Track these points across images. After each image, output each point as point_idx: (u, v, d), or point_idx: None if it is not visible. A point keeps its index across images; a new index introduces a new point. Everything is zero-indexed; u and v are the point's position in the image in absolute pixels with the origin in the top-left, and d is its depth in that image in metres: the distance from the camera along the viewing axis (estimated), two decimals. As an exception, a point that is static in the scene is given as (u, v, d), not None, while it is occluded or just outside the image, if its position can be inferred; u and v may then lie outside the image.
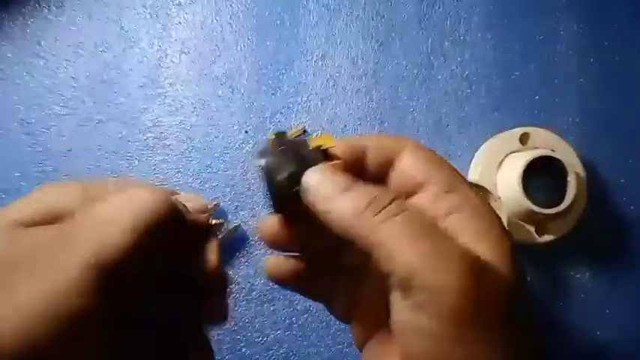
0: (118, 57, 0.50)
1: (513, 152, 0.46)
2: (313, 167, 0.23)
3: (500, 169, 0.46)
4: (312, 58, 0.50)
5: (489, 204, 0.24)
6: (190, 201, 0.26)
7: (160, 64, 0.50)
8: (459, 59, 0.50)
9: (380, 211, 0.21)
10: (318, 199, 0.22)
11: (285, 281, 0.27)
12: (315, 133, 0.49)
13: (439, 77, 0.50)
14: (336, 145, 0.25)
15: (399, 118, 0.49)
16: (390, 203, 0.21)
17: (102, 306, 0.19)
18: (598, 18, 0.50)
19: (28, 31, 0.50)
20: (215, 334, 0.46)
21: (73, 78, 0.49)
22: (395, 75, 0.50)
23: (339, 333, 0.46)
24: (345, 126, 0.49)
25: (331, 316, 0.28)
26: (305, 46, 0.50)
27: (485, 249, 0.21)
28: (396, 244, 0.20)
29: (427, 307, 0.19)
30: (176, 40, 0.50)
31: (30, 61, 0.49)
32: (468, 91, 0.50)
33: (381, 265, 0.20)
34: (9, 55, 0.49)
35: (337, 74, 0.50)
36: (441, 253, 0.20)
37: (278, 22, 0.50)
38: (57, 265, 0.19)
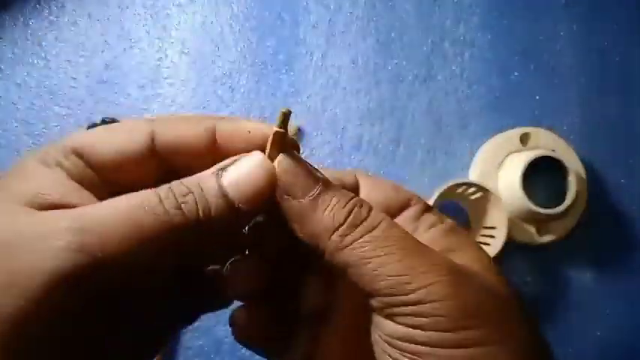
0: (119, 57, 0.50)
1: (514, 152, 0.47)
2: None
3: (501, 169, 0.46)
4: (312, 58, 0.50)
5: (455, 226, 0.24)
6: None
7: (160, 65, 0.50)
8: (458, 59, 0.50)
9: (357, 226, 0.20)
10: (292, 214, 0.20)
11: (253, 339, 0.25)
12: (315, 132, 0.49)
13: (439, 77, 0.50)
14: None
15: (399, 118, 0.49)
16: (368, 215, 0.20)
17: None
18: (598, 18, 0.50)
19: (28, 31, 0.50)
20: (215, 334, 0.46)
21: (73, 78, 0.49)
22: (395, 75, 0.50)
23: (339, 333, 0.46)
24: (345, 126, 0.49)
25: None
26: (305, 46, 0.50)
27: (466, 260, 0.21)
28: (378, 260, 0.19)
29: (421, 318, 0.19)
30: (176, 40, 0.50)
31: (30, 62, 0.49)
32: (468, 91, 0.50)
33: (363, 283, 0.19)
34: (10, 55, 0.49)
35: (337, 74, 0.50)
36: (426, 264, 0.19)
37: (278, 22, 0.50)
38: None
